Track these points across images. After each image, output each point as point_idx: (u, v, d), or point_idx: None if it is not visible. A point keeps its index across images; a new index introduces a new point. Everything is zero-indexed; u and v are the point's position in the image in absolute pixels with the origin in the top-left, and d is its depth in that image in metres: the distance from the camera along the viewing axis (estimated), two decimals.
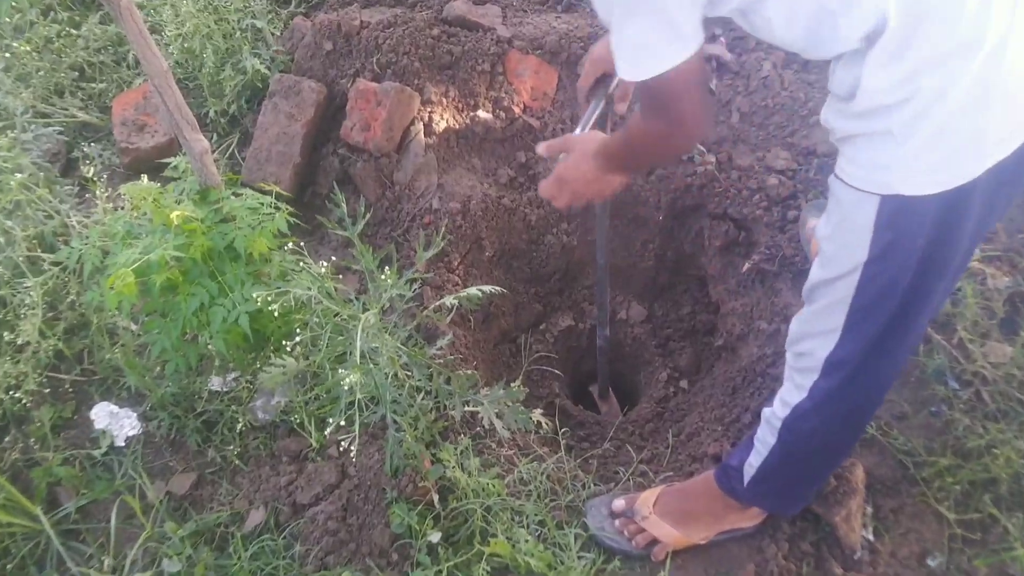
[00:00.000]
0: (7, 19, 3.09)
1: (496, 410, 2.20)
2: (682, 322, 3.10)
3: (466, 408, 2.25)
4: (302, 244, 2.51)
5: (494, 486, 2.21)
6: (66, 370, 2.53)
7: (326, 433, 2.28)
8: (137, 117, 2.92)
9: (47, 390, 2.48)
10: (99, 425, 2.43)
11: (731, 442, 2.38)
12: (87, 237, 2.27)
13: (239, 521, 2.28)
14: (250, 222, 2.14)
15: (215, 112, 2.95)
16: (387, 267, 2.19)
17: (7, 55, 2.95)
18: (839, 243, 1.63)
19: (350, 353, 2.04)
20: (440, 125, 2.92)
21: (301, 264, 2.21)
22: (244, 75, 2.94)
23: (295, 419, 2.38)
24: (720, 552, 2.21)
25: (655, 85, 1.56)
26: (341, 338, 2.13)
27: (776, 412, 1.90)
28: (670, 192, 2.95)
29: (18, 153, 2.63)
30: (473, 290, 2.21)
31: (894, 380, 1.85)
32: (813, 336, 1.76)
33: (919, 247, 1.54)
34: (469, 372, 2.44)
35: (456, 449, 2.27)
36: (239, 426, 2.39)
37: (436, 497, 2.21)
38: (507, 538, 2.13)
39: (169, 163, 2.28)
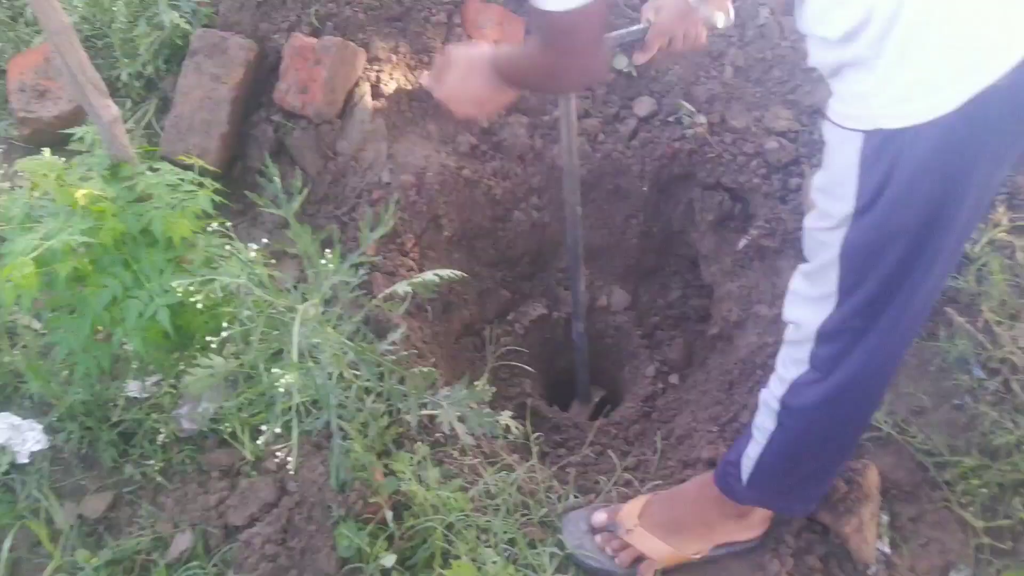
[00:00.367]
0: None
1: (458, 413, 2.20)
2: (671, 308, 3.12)
3: (423, 411, 2.25)
4: (231, 226, 2.50)
5: (456, 500, 2.21)
6: None
7: (261, 443, 2.27)
8: (37, 82, 2.90)
9: None
10: None
11: (728, 445, 2.39)
12: None
13: (163, 547, 2.26)
14: (169, 201, 2.13)
15: (128, 75, 2.93)
16: (329, 250, 2.18)
17: None
18: (827, 193, 1.64)
19: (287, 350, 2.03)
20: (390, 86, 2.92)
21: (229, 248, 2.19)
22: (161, 31, 2.92)
23: (226, 428, 2.36)
24: (716, 570, 2.22)
25: (560, 20, 1.63)
26: (276, 333, 2.12)
27: (773, 392, 1.90)
28: (655, 160, 2.96)
29: None
30: (430, 275, 2.21)
31: (903, 351, 1.85)
32: (808, 302, 1.77)
33: (914, 193, 1.53)
34: (426, 370, 2.44)
35: (412, 459, 2.26)
36: (161, 437, 2.37)
37: (390, 514, 2.21)
38: (472, 560, 2.13)
39: (74, 134, 2.26)
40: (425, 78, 2.22)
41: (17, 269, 1.94)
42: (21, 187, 2.29)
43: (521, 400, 2.88)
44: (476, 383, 2.23)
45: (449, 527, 2.19)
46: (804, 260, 1.77)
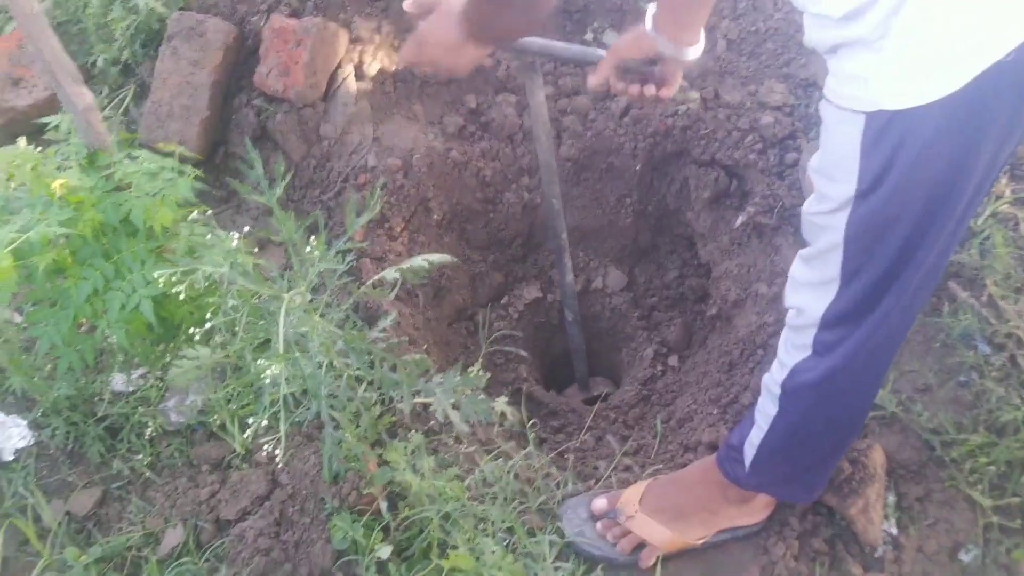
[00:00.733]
0: None
1: (452, 400, 2.20)
2: (668, 289, 3.12)
3: (416, 399, 2.25)
4: (213, 214, 2.50)
5: (452, 489, 2.21)
6: None
7: (249, 436, 2.27)
8: (10, 70, 2.89)
9: None
10: None
11: (729, 427, 2.39)
12: None
13: (153, 543, 2.27)
14: (150, 190, 2.12)
15: (104, 60, 2.92)
16: (315, 237, 2.18)
17: None
18: (827, 175, 1.64)
19: (274, 340, 2.03)
20: (373, 67, 2.91)
21: (212, 237, 2.19)
22: (136, 15, 2.91)
23: (215, 421, 2.37)
24: (719, 555, 2.22)
25: None
26: (262, 323, 2.12)
27: (775, 376, 1.90)
28: (648, 136, 2.96)
29: None
30: (419, 260, 2.21)
31: (905, 332, 1.86)
32: (809, 288, 1.78)
33: (920, 176, 1.54)
34: (419, 357, 2.43)
35: (406, 448, 2.26)
36: (149, 431, 2.38)
37: (384, 505, 2.21)
38: (470, 550, 2.13)
39: (50, 123, 2.26)
40: (407, 3, 2.21)
41: None
42: None
43: (517, 385, 2.89)
44: (470, 369, 2.24)
45: (446, 517, 2.19)
46: (803, 243, 1.77)
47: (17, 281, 2.00)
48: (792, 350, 1.85)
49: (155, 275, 2.05)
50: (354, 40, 2.89)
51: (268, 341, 2.09)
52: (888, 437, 2.33)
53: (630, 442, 2.53)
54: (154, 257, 2.12)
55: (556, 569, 2.16)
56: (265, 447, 2.24)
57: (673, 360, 2.92)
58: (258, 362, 2.06)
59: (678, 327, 3.01)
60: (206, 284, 2.08)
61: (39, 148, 2.16)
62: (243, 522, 2.25)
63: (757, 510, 2.20)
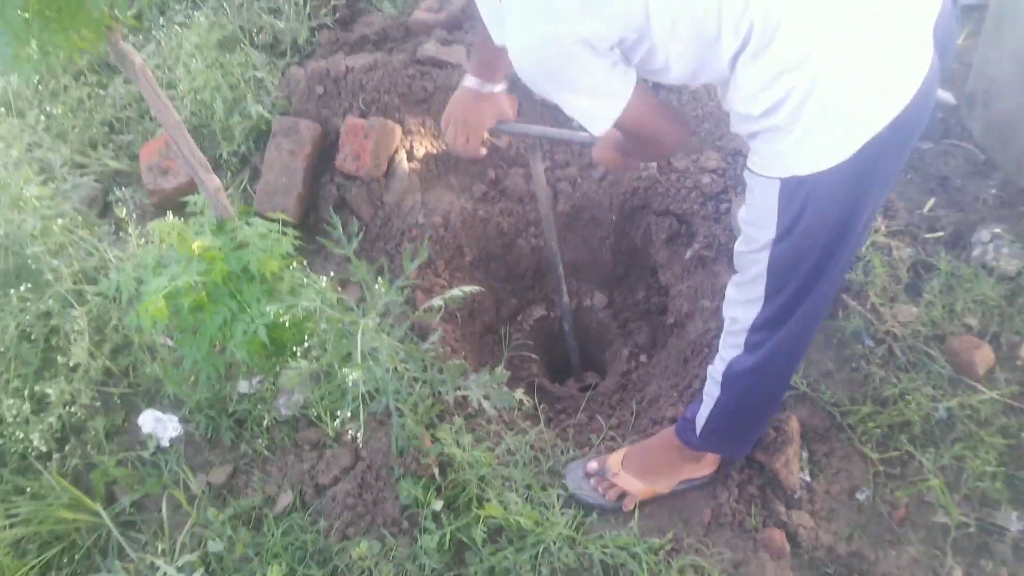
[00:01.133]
0: (42, 85, 3.07)
1: (483, 392, 2.20)
2: (638, 305, 3.11)
3: (458, 392, 2.26)
4: (306, 263, 2.51)
5: (485, 458, 2.22)
6: (114, 384, 2.52)
7: (337, 423, 2.28)
8: (160, 162, 2.91)
9: (99, 403, 2.48)
10: (146, 430, 2.42)
11: (685, 405, 2.39)
12: (123, 269, 2.26)
13: (271, 503, 2.28)
14: (262, 246, 2.14)
15: (227, 153, 2.94)
16: (381, 277, 2.19)
17: (43, 117, 2.93)
18: (752, 223, 1.66)
19: (353, 353, 2.04)
20: (420, 151, 2.92)
21: (307, 280, 2.20)
22: (250, 120, 2.93)
23: (312, 412, 2.38)
24: (680, 500, 2.22)
25: (623, 126, 1.65)
26: (345, 341, 2.13)
27: (717, 367, 1.92)
28: (620, 195, 2.96)
29: (59, 201, 2.62)
30: (456, 291, 2.21)
31: (814, 333, 1.87)
32: (741, 304, 1.79)
33: (823, 220, 1.56)
34: (458, 362, 2.43)
35: (451, 428, 2.27)
36: (265, 422, 2.39)
37: (437, 471, 2.21)
38: (499, 502, 2.13)
39: (189, 200, 2.28)
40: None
41: (152, 303, 1.95)
42: (153, 242, 2.30)
43: (530, 380, 2.88)
44: (496, 369, 2.23)
45: (481, 478, 2.19)
46: (735, 271, 1.78)
47: (168, 316, 2.02)
48: (730, 348, 1.87)
49: (267, 309, 2.06)
50: (406, 132, 2.90)
51: (349, 354, 2.09)
52: (801, 409, 2.33)
53: (613, 419, 2.53)
54: (266, 295, 2.13)
55: (562, 514, 2.16)
56: (349, 431, 2.24)
57: (643, 358, 2.91)
58: (343, 369, 2.06)
59: (646, 333, 3.00)
60: (304, 314, 2.09)
61: (182, 219, 2.18)
62: (335, 487, 2.26)
63: (707, 465, 2.20)
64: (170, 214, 2.29)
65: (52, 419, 2.34)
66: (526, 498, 2.18)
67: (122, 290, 2.17)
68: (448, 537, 2.11)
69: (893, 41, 1.45)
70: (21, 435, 2.29)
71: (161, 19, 3.25)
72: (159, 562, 2.15)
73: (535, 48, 1.51)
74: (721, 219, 2.75)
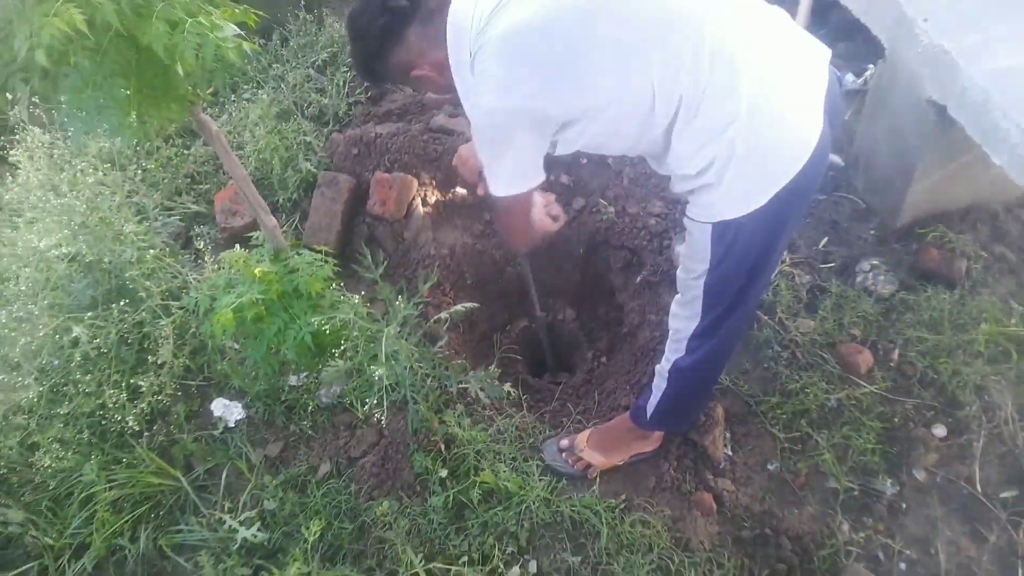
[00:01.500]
0: (140, 146, 3.07)
1: (479, 386, 2.20)
2: (599, 318, 3.11)
3: (460, 385, 2.26)
4: (343, 285, 2.51)
5: (481, 436, 2.22)
6: (192, 378, 2.51)
7: (367, 409, 2.27)
8: (231, 206, 2.90)
9: (180, 393, 2.46)
10: (217, 413, 2.41)
11: (636, 395, 2.39)
12: (201, 289, 2.26)
13: (313, 472, 2.27)
14: (308, 272, 2.14)
15: (283, 199, 2.94)
16: (401, 296, 2.19)
17: (140, 171, 2.93)
18: (691, 258, 1.67)
19: (379, 355, 2.04)
20: (432, 199, 2.92)
21: (344, 298, 2.20)
22: (300, 173, 2.93)
23: (347, 401, 2.37)
24: (632, 470, 2.23)
25: (502, 203, 1.63)
26: (372, 345, 2.13)
27: (664, 366, 1.93)
28: (586, 233, 2.96)
29: (152, 236, 2.61)
30: (459, 307, 2.22)
31: (739, 342, 1.89)
32: (681, 318, 1.80)
33: (746, 253, 1.57)
34: (460, 362, 2.44)
35: (455, 414, 2.27)
36: (310, 408, 2.38)
37: (443, 447, 2.21)
38: (491, 471, 2.13)
39: (252, 236, 2.28)
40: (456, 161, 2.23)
41: (223, 315, 1.95)
42: (223, 268, 2.30)
43: (516, 376, 2.87)
44: (489, 368, 2.23)
45: (478, 452, 2.19)
46: (677, 293, 1.79)
47: (235, 325, 2.01)
48: (674, 351, 1.88)
49: (312, 320, 2.05)
50: (421, 184, 2.91)
51: (376, 355, 2.09)
52: (725, 400, 2.34)
53: (580, 407, 2.52)
54: (312, 310, 2.13)
55: (540, 480, 2.16)
56: (375, 415, 2.24)
57: (604, 359, 2.90)
58: (370, 367, 2.06)
59: (606, 340, 3.00)
60: (340, 324, 2.09)
61: (247, 250, 2.18)
62: (363, 459, 2.26)
63: (652, 443, 2.21)
64: (237, 246, 2.28)
65: (143, 405, 2.33)
66: (512, 468, 2.18)
67: (199, 305, 2.17)
68: (451, 498, 2.11)
69: (793, 112, 1.47)
70: (119, 417, 2.28)
71: (232, 96, 3.25)
72: (226, 517, 2.14)
73: (492, 113, 1.45)
74: (664, 252, 2.76)
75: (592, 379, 2.79)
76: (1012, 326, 2.35)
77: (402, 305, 2.18)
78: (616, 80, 1.43)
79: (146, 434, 2.36)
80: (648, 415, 2.05)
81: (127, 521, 2.19)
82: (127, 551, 2.15)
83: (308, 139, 3.05)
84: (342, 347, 2.16)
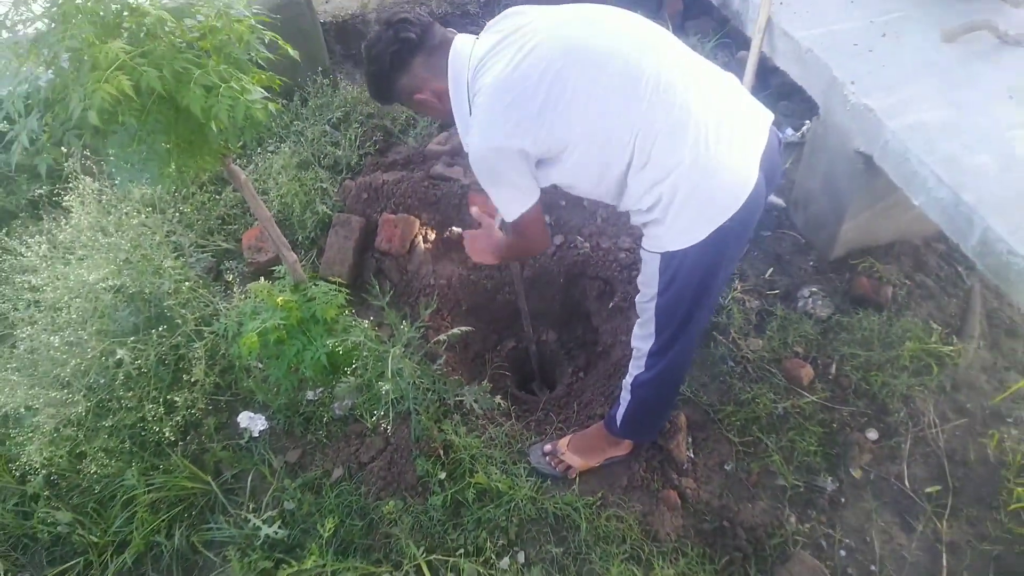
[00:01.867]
0: (177, 192, 3.08)
1: (474, 398, 2.20)
2: (577, 339, 3.11)
3: (456, 398, 2.26)
4: (354, 311, 2.51)
5: (475, 443, 2.21)
6: (221, 394, 2.49)
7: (375, 419, 2.26)
8: (256, 244, 2.91)
9: (210, 407, 2.45)
10: (243, 425, 2.39)
11: (609, 406, 2.39)
12: (230, 316, 2.26)
13: (328, 476, 2.25)
14: (324, 300, 2.14)
15: (302, 237, 2.94)
16: (405, 321, 2.19)
17: (178, 213, 2.94)
18: (645, 284, 1.68)
19: (386, 372, 2.04)
20: (431, 236, 2.94)
21: (355, 323, 2.20)
22: (317, 215, 2.94)
23: (357, 413, 2.35)
24: (607, 471, 2.22)
25: (515, 223, 1.65)
26: (380, 364, 2.12)
27: (627, 381, 1.94)
28: (565, 265, 2.98)
29: (187, 270, 2.61)
30: (456, 330, 2.23)
31: (690, 360, 1.89)
32: (640, 338, 1.81)
33: (690, 280, 1.58)
34: (457, 378, 2.44)
35: (452, 423, 2.26)
36: (325, 419, 2.36)
37: (442, 452, 2.20)
38: (484, 473, 2.12)
39: (275, 270, 2.28)
40: (474, 210, 2.20)
41: (249, 339, 1.95)
42: (250, 297, 2.30)
43: (505, 389, 2.86)
44: (482, 383, 2.23)
45: (472, 457, 2.18)
46: (638, 316, 1.80)
47: (259, 347, 2.01)
48: (635, 368, 1.88)
49: (327, 342, 2.06)
50: (422, 224, 2.92)
51: (383, 373, 2.09)
52: (687, 409, 2.34)
53: (561, 416, 2.52)
54: (327, 333, 2.13)
55: (527, 481, 2.15)
56: (382, 425, 2.23)
57: (582, 374, 2.91)
58: (378, 383, 2.06)
59: (583, 358, 3.00)
60: (352, 346, 2.09)
61: (270, 282, 2.18)
62: (372, 463, 2.24)
63: (624, 448, 2.20)
64: (262, 278, 2.29)
65: (178, 418, 2.31)
66: (503, 470, 2.17)
67: (228, 330, 2.17)
68: (449, 497, 2.09)
69: (730, 165, 1.49)
70: (157, 429, 2.26)
71: (259, 148, 3.27)
72: (250, 516, 2.11)
73: (485, 150, 1.51)
74: (632, 281, 2.77)
75: (572, 392, 2.79)
76: (932, 343, 2.38)
77: (406, 329, 2.18)
78: (581, 128, 1.48)
79: (180, 444, 2.34)
80: (618, 424, 2.05)
81: (163, 520, 2.16)
82: (163, 547, 2.12)
83: (324, 185, 3.07)
84: (353, 366, 2.16)
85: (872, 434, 2.24)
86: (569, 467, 2.17)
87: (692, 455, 2.23)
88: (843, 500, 2.13)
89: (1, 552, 2.17)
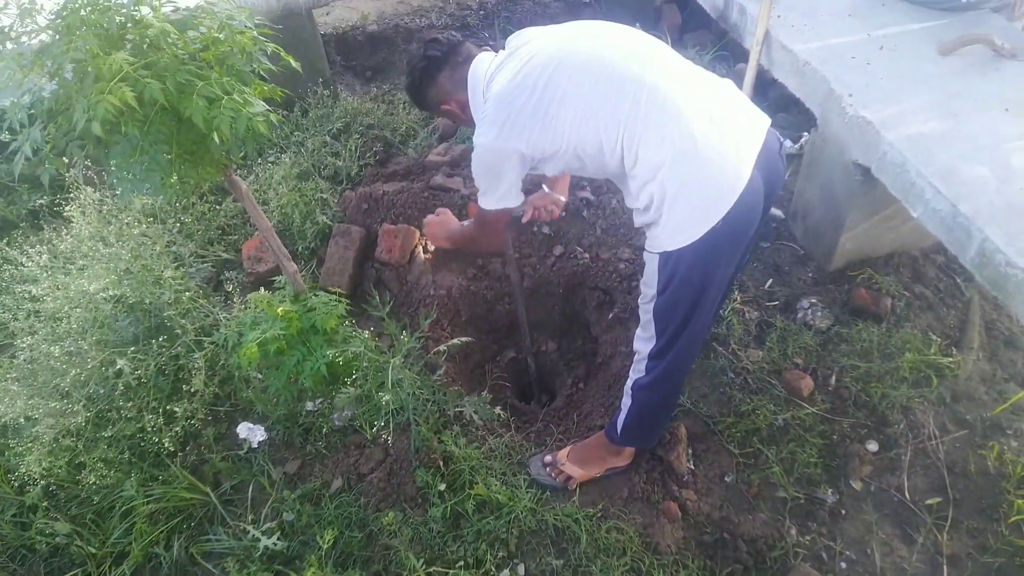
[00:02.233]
0: (178, 202, 3.08)
1: (473, 409, 2.20)
2: (577, 350, 3.11)
3: (456, 409, 2.25)
4: (354, 322, 2.51)
5: (475, 454, 2.20)
6: (221, 404, 2.48)
7: (375, 430, 2.25)
8: (256, 254, 2.91)
9: (210, 417, 2.44)
10: (242, 435, 2.38)
11: (609, 416, 2.38)
12: (229, 326, 2.26)
13: (327, 487, 2.24)
14: (324, 310, 2.14)
15: (302, 248, 2.94)
16: (404, 331, 2.19)
17: (178, 223, 2.94)
18: (645, 284, 1.70)
19: (385, 383, 2.04)
20: (431, 247, 2.94)
21: (355, 333, 2.20)
22: (317, 225, 2.94)
23: (357, 423, 2.34)
24: (607, 482, 2.21)
25: (487, 216, 1.86)
26: (380, 374, 2.12)
27: (628, 386, 1.95)
28: (565, 276, 2.98)
29: (187, 280, 2.61)
30: (455, 341, 2.23)
31: (689, 364, 1.90)
32: (641, 340, 1.82)
33: (687, 280, 1.60)
34: (456, 388, 2.43)
35: (452, 434, 2.25)
36: (324, 430, 2.35)
37: (442, 463, 2.19)
38: (484, 484, 2.11)
39: (275, 280, 2.28)
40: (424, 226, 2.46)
41: (248, 349, 1.95)
42: (250, 308, 2.29)
43: (505, 400, 2.85)
44: (482, 394, 2.23)
45: (472, 468, 2.17)
46: (639, 320, 1.81)
47: (259, 357, 2.01)
48: (636, 371, 1.89)
49: (327, 352, 2.06)
50: (422, 235, 2.93)
51: (383, 383, 2.09)
52: (687, 420, 2.34)
53: (561, 426, 2.51)
54: (327, 343, 2.13)
55: (527, 492, 2.14)
56: (382, 436, 2.22)
57: (581, 385, 2.90)
58: (378, 393, 2.06)
59: (583, 368, 2.99)
60: (352, 356, 2.09)
61: (270, 292, 2.18)
62: (371, 475, 2.23)
63: (625, 458, 2.20)
64: (262, 289, 2.29)
65: (178, 428, 2.30)
66: (502, 481, 2.16)
67: (228, 340, 2.17)
68: (449, 509, 2.08)
69: (720, 160, 1.51)
70: (156, 439, 2.25)
71: (259, 159, 3.28)
72: (250, 528, 2.10)
73: (485, 149, 1.66)
74: (632, 292, 2.77)
75: (571, 403, 2.78)
76: (931, 355, 2.38)
77: (406, 339, 2.18)
78: (572, 130, 1.60)
79: (180, 454, 2.33)
80: (618, 431, 2.05)
81: (162, 532, 2.15)
82: (162, 558, 2.11)
83: (324, 196, 3.07)
84: (353, 376, 2.16)
85: (872, 446, 2.24)
86: (569, 478, 2.17)
87: (692, 467, 2.23)
88: (843, 512, 2.12)
89: None
